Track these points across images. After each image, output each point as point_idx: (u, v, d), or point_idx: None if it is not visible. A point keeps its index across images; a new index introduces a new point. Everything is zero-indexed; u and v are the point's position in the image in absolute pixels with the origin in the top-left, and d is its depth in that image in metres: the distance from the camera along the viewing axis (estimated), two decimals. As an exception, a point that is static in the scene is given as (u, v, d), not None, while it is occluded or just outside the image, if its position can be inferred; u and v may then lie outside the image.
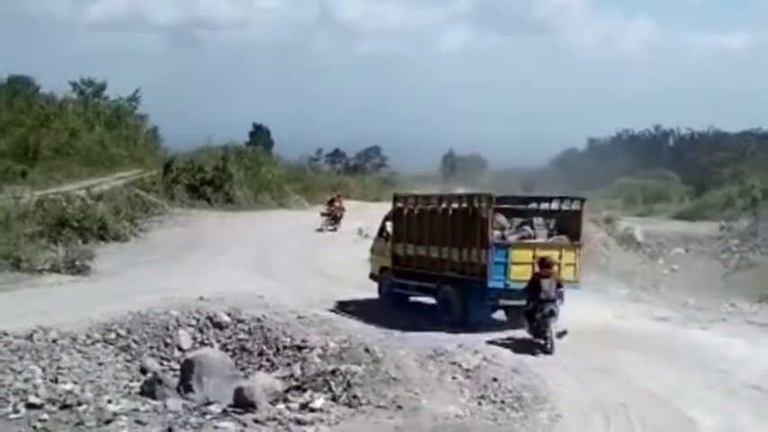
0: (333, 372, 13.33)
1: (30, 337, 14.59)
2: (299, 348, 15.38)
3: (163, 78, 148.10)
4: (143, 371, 14.68)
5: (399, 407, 12.56)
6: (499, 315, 18.63)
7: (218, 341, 16.14)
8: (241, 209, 40.73)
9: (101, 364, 14.50)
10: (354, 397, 12.72)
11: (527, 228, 18.22)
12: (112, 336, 15.63)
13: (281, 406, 12.45)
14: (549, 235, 18.24)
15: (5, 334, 14.55)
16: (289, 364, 14.84)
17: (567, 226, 18.33)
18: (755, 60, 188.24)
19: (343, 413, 12.28)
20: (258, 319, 16.59)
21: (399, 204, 20.36)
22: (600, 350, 16.22)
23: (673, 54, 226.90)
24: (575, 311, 17.27)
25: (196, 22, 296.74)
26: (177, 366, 14.68)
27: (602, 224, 35.79)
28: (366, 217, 31.96)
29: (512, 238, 17.94)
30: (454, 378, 14.06)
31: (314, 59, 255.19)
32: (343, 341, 15.10)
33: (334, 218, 35.86)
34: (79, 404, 11.96)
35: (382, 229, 21.35)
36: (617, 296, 24.14)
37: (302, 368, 14.35)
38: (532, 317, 16.38)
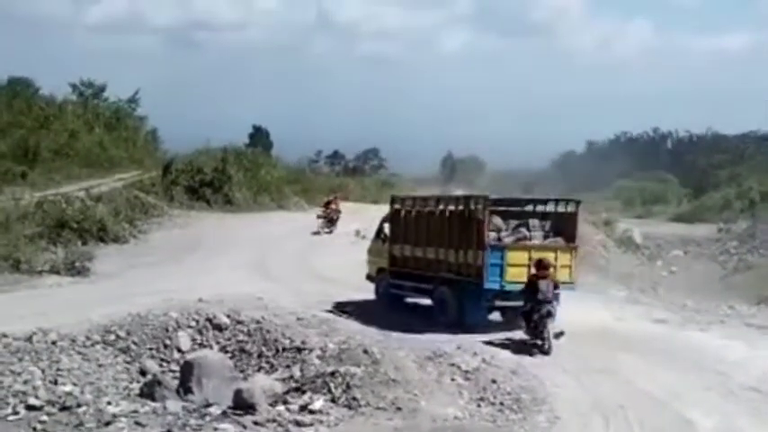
0: (332, 373, 13.34)
1: (29, 339, 14.57)
2: (299, 350, 15.38)
3: (162, 80, 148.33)
4: (142, 372, 14.68)
5: (398, 408, 12.58)
6: (495, 316, 18.66)
7: (218, 343, 16.14)
8: (240, 210, 40.74)
9: (100, 365, 14.49)
10: (354, 398, 12.73)
11: (523, 230, 18.31)
12: (112, 337, 15.62)
13: (281, 407, 12.47)
14: (545, 237, 18.33)
15: (5, 335, 14.53)
16: (288, 366, 14.84)
17: (563, 228, 18.41)
18: (754, 61, 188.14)
19: (343, 415, 12.30)
20: (257, 321, 16.59)
21: (396, 206, 20.45)
22: (598, 352, 16.26)
23: (671, 56, 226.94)
24: (573, 313, 17.32)
25: (195, 24, 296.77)
26: (177, 368, 14.67)
27: (601, 226, 35.79)
28: (364, 219, 31.96)
29: (507, 240, 18.03)
30: (453, 380, 14.07)
31: (313, 61, 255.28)
32: (343, 342, 15.12)
33: (330, 220, 35.80)
34: (79, 406, 11.97)
35: (380, 230, 21.42)
36: (616, 298, 24.15)
37: (301, 370, 14.36)
38: (530, 318, 16.46)
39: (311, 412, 12.21)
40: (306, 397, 12.84)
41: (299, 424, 11.81)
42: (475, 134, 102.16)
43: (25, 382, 12.73)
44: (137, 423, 11.46)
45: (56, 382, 13.01)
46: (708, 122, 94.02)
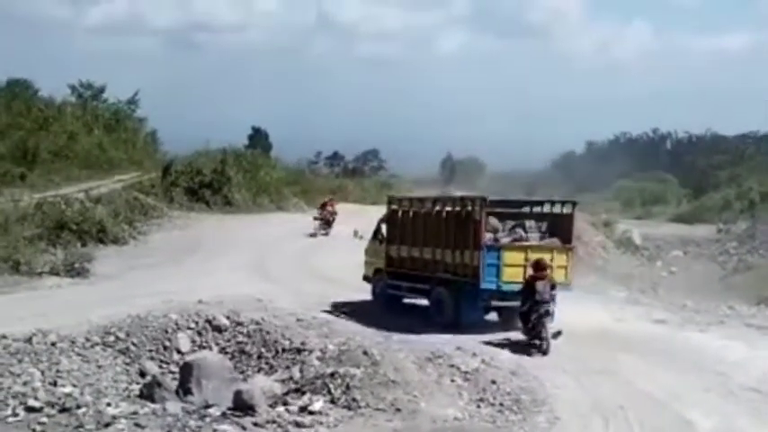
0: (332, 374, 13.35)
1: (29, 340, 14.57)
2: (298, 351, 15.38)
3: (162, 81, 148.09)
4: (142, 374, 14.68)
5: (398, 409, 12.58)
6: (492, 317, 18.68)
7: (217, 344, 16.14)
8: (240, 212, 40.79)
9: (100, 367, 14.49)
10: (353, 400, 12.73)
11: (519, 230, 18.34)
12: (111, 339, 15.61)
13: (281, 409, 12.47)
14: (541, 238, 18.37)
15: (4, 337, 14.54)
16: (288, 367, 14.84)
17: (559, 229, 18.44)
18: (754, 61, 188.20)
19: (342, 416, 12.30)
20: (257, 322, 16.59)
21: (394, 207, 20.50)
22: (598, 353, 16.26)
23: (670, 57, 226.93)
24: (573, 314, 17.33)
25: (195, 25, 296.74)
26: (176, 369, 14.68)
27: (601, 227, 35.83)
28: (363, 220, 31.93)
29: (504, 241, 18.07)
30: (453, 381, 14.07)
31: (312, 62, 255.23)
32: (342, 344, 15.11)
33: (326, 222, 35.85)
34: (78, 407, 11.96)
35: (377, 231, 21.43)
36: (615, 299, 24.17)
37: (301, 371, 14.36)
38: (528, 318, 16.50)
39: (311, 413, 12.22)
40: (305, 398, 12.84)
41: (298, 425, 11.81)
42: (473, 135, 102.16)
43: (25, 384, 12.73)
44: (136, 424, 11.45)
45: (55, 384, 13.01)
46: (707, 123, 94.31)
